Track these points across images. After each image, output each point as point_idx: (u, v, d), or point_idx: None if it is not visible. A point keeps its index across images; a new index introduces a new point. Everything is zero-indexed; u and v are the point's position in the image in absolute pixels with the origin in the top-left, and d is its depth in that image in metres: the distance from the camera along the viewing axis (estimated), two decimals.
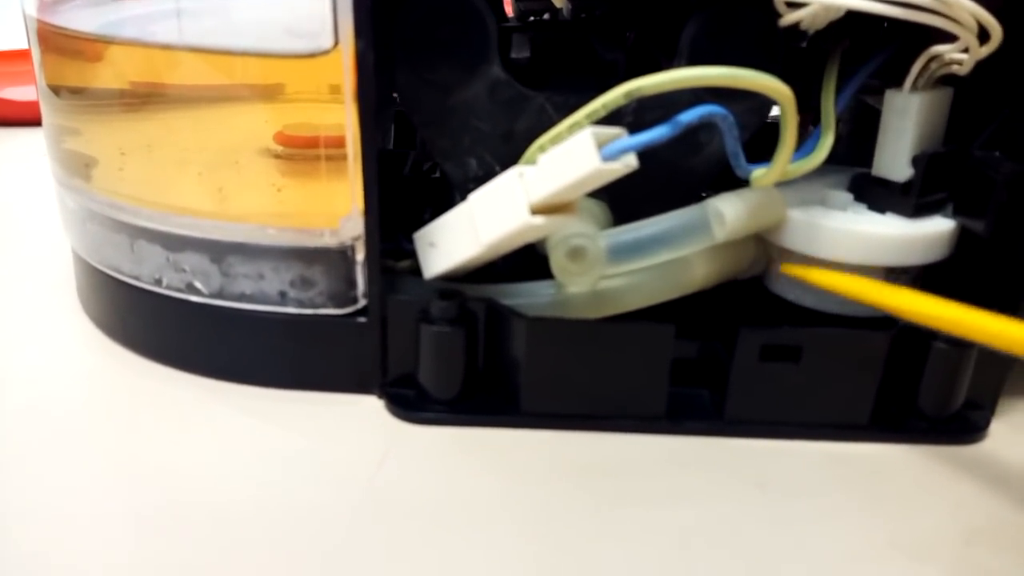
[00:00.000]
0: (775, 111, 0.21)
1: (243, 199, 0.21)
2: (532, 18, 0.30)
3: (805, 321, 0.21)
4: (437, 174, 0.27)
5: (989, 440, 0.21)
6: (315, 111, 0.20)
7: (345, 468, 0.19)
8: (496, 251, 0.20)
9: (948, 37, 0.19)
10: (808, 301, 0.22)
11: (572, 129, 0.18)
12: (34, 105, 0.43)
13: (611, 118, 0.18)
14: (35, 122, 0.43)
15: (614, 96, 0.17)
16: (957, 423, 0.21)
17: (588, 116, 0.18)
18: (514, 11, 0.30)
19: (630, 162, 0.18)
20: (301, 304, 0.21)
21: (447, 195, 0.24)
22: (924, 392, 0.21)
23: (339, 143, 0.20)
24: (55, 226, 0.26)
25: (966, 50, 0.19)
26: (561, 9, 0.29)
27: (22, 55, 0.48)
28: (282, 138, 0.20)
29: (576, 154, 0.17)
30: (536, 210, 0.18)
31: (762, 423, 0.21)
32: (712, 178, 0.22)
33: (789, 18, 0.19)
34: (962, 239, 0.21)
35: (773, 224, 0.21)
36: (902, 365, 0.21)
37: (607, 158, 0.17)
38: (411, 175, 0.27)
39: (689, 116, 0.17)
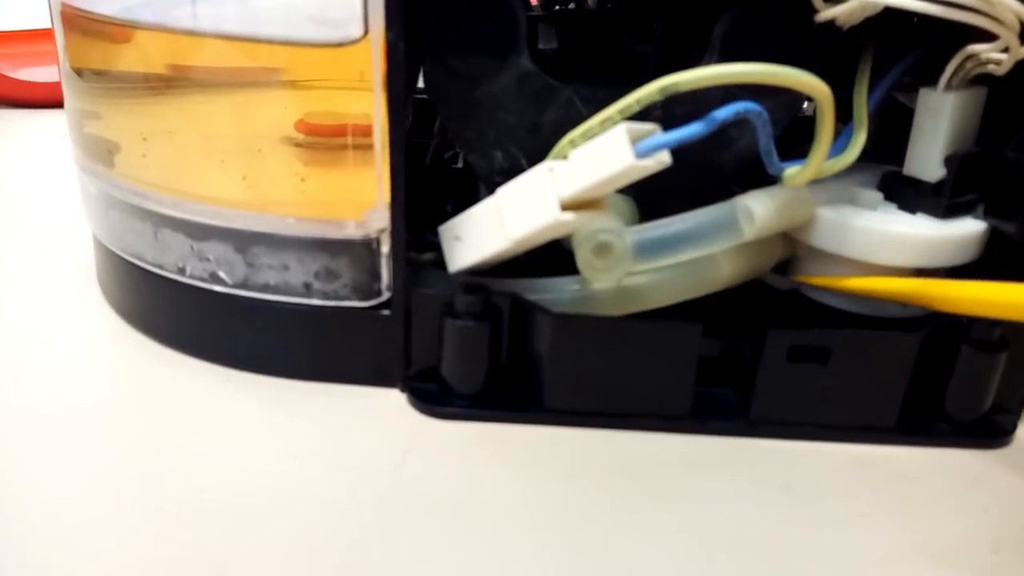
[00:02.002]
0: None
1: (267, 188, 0.20)
2: (557, 7, 0.29)
3: (831, 321, 0.21)
4: (459, 164, 0.27)
5: (1016, 444, 0.21)
6: (337, 99, 0.20)
7: (367, 461, 0.19)
8: (523, 246, 0.19)
9: (985, 36, 0.18)
10: (834, 301, 0.21)
11: (604, 124, 0.18)
12: (51, 86, 0.43)
13: (640, 113, 0.18)
14: (52, 103, 0.43)
15: (649, 92, 0.17)
16: (984, 427, 0.21)
17: (621, 111, 0.18)
18: (539, 0, 0.30)
19: (663, 159, 0.17)
20: (326, 296, 0.21)
21: (469, 186, 0.23)
22: (951, 395, 0.20)
23: (364, 132, 0.19)
24: (75, 211, 0.26)
25: (1005, 49, 0.18)
26: None
27: (38, 35, 0.48)
28: (304, 126, 0.20)
29: (609, 150, 0.17)
30: (566, 206, 0.18)
31: (787, 424, 0.20)
32: (741, 174, 0.22)
33: (825, 14, 0.19)
34: (993, 241, 0.21)
35: (802, 222, 0.21)
36: (930, 368, 0.20)
37: (641, 155, 0.17)
38: (432, 165, 0.27)
39: (725, 113, 0.17)
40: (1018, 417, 0.21)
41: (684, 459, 0.20)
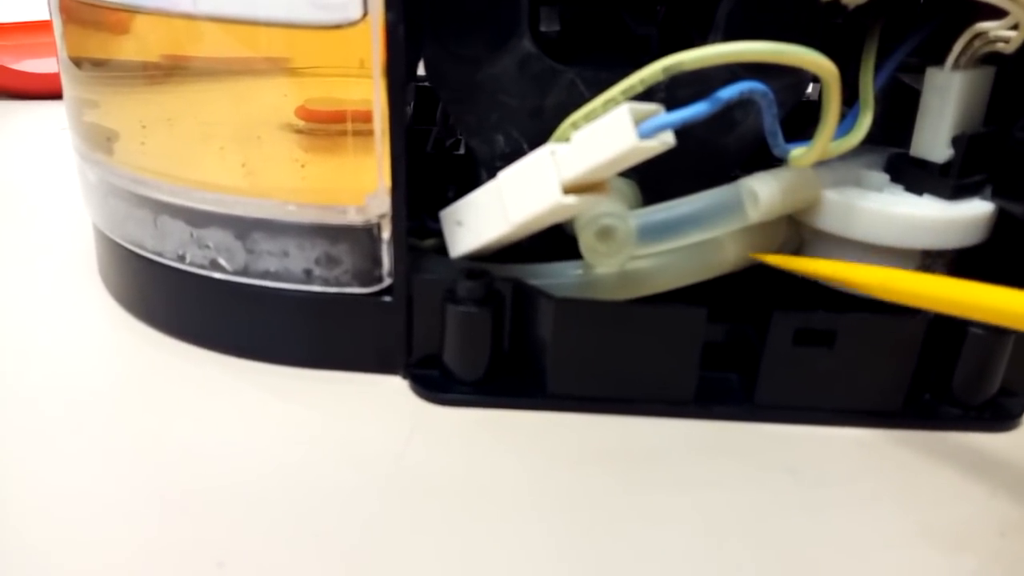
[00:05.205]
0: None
1: (266, 174, 0.20)
2: None
3: (836, 304, 0.20)
4: (460, 151, 0.27)
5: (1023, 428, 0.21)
6: (338, 85, 0.19)
7: (370, 449, 0.19)
8: (525, 230, 0.19)
9: (993, 13, 0.18)
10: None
11: (607, 105, 0.18)
12: (52, 77, 0.43)
13: (644, 94, 0.18)
14: (53, 95, 0.43)
15: (652, 71, 0.17)
16: (991, 410, 0.21)
17: (624, 92, 0.17)
18: None
19: (667, 140, 0.17)
20: (326, 282, 0.21)
21: (471, 172, 0.23)
22: (958, 379, 0.20)
23: (364, 118, 0.19)
24: (75, 200, 0.26)
25: (1014, 27, 0.18)
26: None
27: (39, 26, 0.47)
28: (304, 112, 0.20)
29: (612, 131, 0.17)
30: (568, 189, 0.18)
31: (793, 408, 0.20)
32: (745, 157, 0.21)
33: None
34: (1000, 222, 0.20)
35: (807, 205, 0.20)
36: (937, 351, 0.20)
37: (644, 135, 0.17)
38: (434, 152, 0.27)
39: (729, 92, 0.17)
40: None
41: (689, 444, 0.20)
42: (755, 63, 0.18)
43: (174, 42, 0.20)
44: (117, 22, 0.20)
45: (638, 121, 0.17)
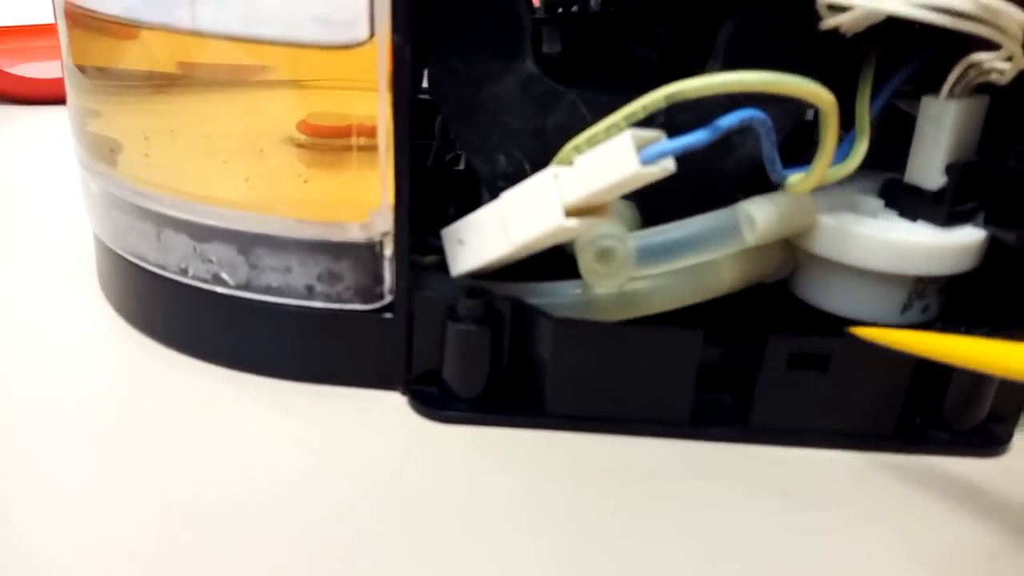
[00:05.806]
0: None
1: (269, 189, 0.20)
2: (560, 10, 0.29)
3: (831, 327, 0.21)
4: (460, 166, 0.27)
5: (1012, 453, 0.21)
6: (340, 100, 0.19)
7: (368, 464, 0.19)
8: (526, 251, 0.19)
9: (987, 44, 0.19)
10: (834, 307, 0.21)
11: (610, 131, 0.18)
12: (51, 82, 0.43)
13: (643, 119, 0.18)
14: (50, 100, 0.43)
15: (654, 99, 0.17)
16: (980, 436, 0.21)
17: (627, 118, 0.18)
18: (541, 2, 0.30)
19: (668, 166, 0.17)
20: (328, 299, 0.21)
21: (472, 189, 0.23)
22: (948, 404, 0.21)
23: (369, 134, 0.19)
24: (74, 208, 0.26)
25: (1008, 59, 0.18)
26: (590, 1, 0.29)
27: (37, 30, 0.47)
28: (306, 127, 0.20)
29: (615, 156, 0.17)
30: (570, 212, 0.18)
31: (787, 431, 0.20)
32: (743, 180, 0.22)
33: (830, 22, 0.19)
34: (992, 250, 0.21)
35: (803, 229, 0.21)
36: (928, 376, 0.20)
37: (646, 161, 0.17)
38: (434, 168, 0.27)
39: (729, 120, 0.17)
40: (1014, 426, 0.21)
41: (683, 465, 0.20)
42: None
43: (179, 54, 0.20)
44: (122, 31, 0.20)
45: (640, 147, 0.17)
